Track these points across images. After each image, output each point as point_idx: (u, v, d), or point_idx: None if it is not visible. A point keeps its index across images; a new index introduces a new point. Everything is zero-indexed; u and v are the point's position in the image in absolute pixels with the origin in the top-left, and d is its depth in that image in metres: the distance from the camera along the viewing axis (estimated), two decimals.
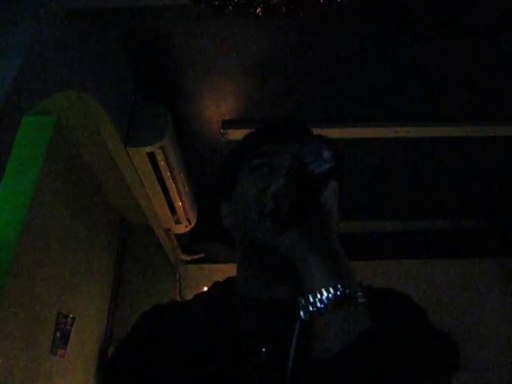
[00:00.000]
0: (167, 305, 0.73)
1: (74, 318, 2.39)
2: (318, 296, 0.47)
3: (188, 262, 3.40)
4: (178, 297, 3.15)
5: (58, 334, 2.25)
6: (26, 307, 1.98)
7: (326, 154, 0.49)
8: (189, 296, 3.20)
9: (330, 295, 0.47)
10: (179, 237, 3.08)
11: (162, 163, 2.25)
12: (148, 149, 2.14)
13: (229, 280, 0.73)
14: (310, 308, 0.47)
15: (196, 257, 3.35)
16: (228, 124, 2.37)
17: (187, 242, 3.35)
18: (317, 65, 2.13)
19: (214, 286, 0.74)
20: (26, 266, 1.98)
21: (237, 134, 2.39)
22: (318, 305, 0.47)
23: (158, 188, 2.43)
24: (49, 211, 2.18)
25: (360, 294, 0.48)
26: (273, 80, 2.21)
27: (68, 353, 2.33)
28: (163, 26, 1.93)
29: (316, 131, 2.30)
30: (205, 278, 3.28)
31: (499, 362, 3.18)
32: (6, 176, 1.30)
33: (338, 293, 0.47)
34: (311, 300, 0.48)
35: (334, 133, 2.39)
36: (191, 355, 0.60)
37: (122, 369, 0.64)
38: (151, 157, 2.19)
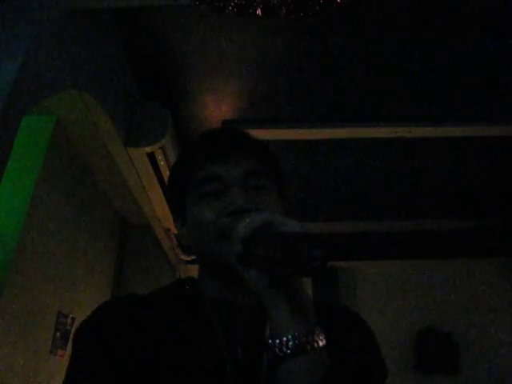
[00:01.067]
0: (126, 297, 0.72)
1: (73, 318, 2.39)
2: (284, 340, 0.52)
3: (188, 262, 3.40)
4: None
5: (58, 334, 2.25)
6: (26, 307, 1.98)
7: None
8: None
9: (296, 341, 0.51)
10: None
11: (162, 163, 2.25)
12: (148, 149, 2.14)
13: (191, 279, 0.75)
14: (277, 351, 0.52)
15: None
16: (228, 124, 2.37)
17: None
18: (317, 65, 2.13)
19: (176, 283, 0.76)
20: (26, 265, 1.98)
21: None
22: (284, 349, 0.51)
23: (158, 188, 2.43)
24: (48, 211, 2.18)
25: (321, 338, 0.52)
26: (273, 80, 2.21)
27: (68, 353, 2.33)
28: (163, 26, 1.93)
29: (316, 131, 2.28)
30: None
31: (499, 361, 3.18)
32: (6, 176, 1.30)
33: (302, 339, 0.51)
34: (277, 344, 0.52)
35: (334, 133, 2.40)
36: (163, 347, 0.61)
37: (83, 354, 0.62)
38: (151, 157, 2.19)
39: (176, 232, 0.77)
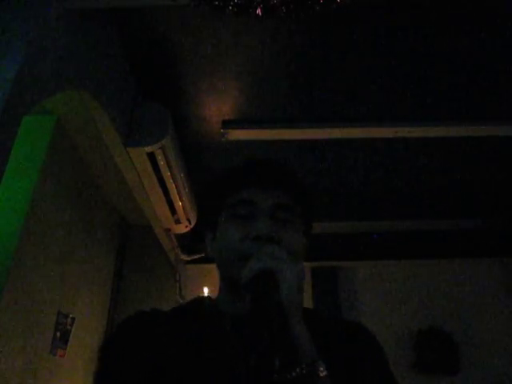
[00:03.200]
0: (151, 311, 0.79)
1: (73, 318, 2.39)
2: (298, 370, 0.58)
3: (188, 262, 3.40)
4: (178, 297, 3.15)
5: (58, 334, 2.25)
6: (26, 307, 1.98)
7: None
8: (189, 296, 3.21)
9: (298, 371, 0.58)
10: (179, 237, 3.09)
11: (162, 163, 2.25)
12: (148, 149, 2.14)
13: (209, 298, 0.82)
14: (298, 375, 0.58)
15: (196, 257, 3.35)
16: (228, 124, 2.37)
17: (187, 242, 3.35)
18: (317, 65, 2.13)
19: (195, 300, 0.82)
20: (26, 266, 1.98)
21: (237, 134, 2.39)
22: (288, 376, 0.58)
23: (158, 188, 2.43)
24: (49, 211, 2.18)
25: (321, 368, 0.58)
26: (272, 80, 2.21)
27: (68, 353, 2.33)
28: (163, 26, 1.93)
29: (316, 131, 2.28)
30: (205, 278, 3.28)
31: (499, 361, 3.18)
32: (6, 176, 1.30)
33: (304, 371, 0.58)
34: (292, 373, 0.58)
35: (334, 133, 2.40)
36: (183, 359, 0.66)
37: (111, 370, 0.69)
38: (151, 157, 2.19)
39: (207, 249, 0.84)
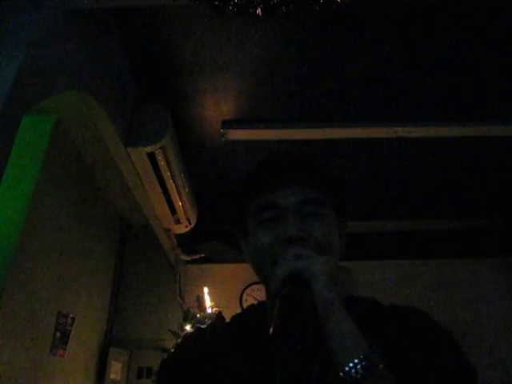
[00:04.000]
0: (208, 327, 0.85)
1: (73, 318, 2.39)
2: (351, 366, 0.55)
3: (188, 262, 3.40)
4: (178, 297, 3.15)
5: (58, 334, 2.25)
6: (26, 307, 1.98)
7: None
8: (188, 296, 3.21)
9: (364, 363, 0.55)
10: (179, 237, 3.09)
11: (162, 163, 2.25)
12: (148, 149, 2.14)
13: (261, 303, 0.81)
14: (351, 376, 0.55)
15: (196, 257, 3.35)
16: (228, 124, 2.37)
17: (187, 242, 3.35)
18: (316, 65, 2.13)
19: (249, 308, 0.83)
20: (26, 265, 1.98)
21: (237, 134, 2.39)
22: (353, 375, 0.55)
23: (158, 188, 2.43)
24: (49, 211, 2.18)
25: (377, 361, 0.55)
26: (272, 80, 2.21)
27: (68, 353, 2.33)
28: (163, 26, 1.93)
29: (316, 131, 2.28)
30: (205, 278, 3.28)
31: (500, 361, 3.18)
32: (6, 176, 1.30)
33: (358, 367, 0.55)
34: (348, 370, 0.55)
35: (334, 133, 2.40)
36: (227, 371, 0.68)
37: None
38: (151, 157, 2.19)
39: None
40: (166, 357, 0.78)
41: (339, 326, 0.58)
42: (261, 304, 0.81)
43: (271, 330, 0.60)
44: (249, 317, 0.79)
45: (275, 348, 0.67)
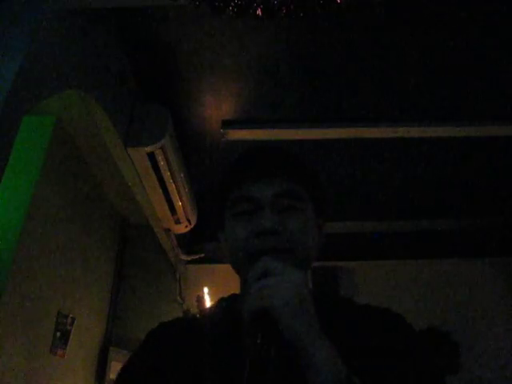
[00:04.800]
0: (173, 321, 0.82)
1: (73, 318, 2.39)
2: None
3: (188, 262, 3.40)
4: (178, 297, 3.15)
5: (58, 334, 2.25)
6: (26, 307, 1.98)
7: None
8: (188, 296, 3.21)
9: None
10: (179, 237, 3.09)
11: (162, 163, 2.25)
12: (148, 149, 2.14)
13: (232, 296, 0.81)
14: None
15: (196, 257, 3.35)
16: (228, 124, 2.37)
17: (187, 242, 3.35)
18: (316, 65, 2.13)
19: (220, 302, 0.82)
20: (26, 265, 1.98)
21: (237, 134, 2.39)
22: None
23: (158, 188, 2.43)
24: (49, 211, 2.18)
25: (354, 378, 0.54)
26: (272, 80, 2.21)
27: (68, 353, 2.33)
28: (163, 26, 1.93)
29: (316, 131, 2.27)
30: (205, 278, 3.28)
31: (499, 361, 3.18)
32: (6, 176, 1.30)
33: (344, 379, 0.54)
34: None
35: (334, 133, 2.40)
36: (196, 368, 0.67)
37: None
38: (151, 157, 2.19)
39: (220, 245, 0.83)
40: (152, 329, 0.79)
41: (315, 355, 0.55)
42: (232, 296, 0.81)
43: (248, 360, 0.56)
44: (223, 313, 0.77)
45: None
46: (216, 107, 2.36)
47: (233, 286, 0.77)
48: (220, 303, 0.81)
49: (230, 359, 0.66)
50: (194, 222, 2.93)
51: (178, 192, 2.54)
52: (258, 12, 1.26)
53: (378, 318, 0.71)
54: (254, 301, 0.59)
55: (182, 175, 2.51)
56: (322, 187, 0.80)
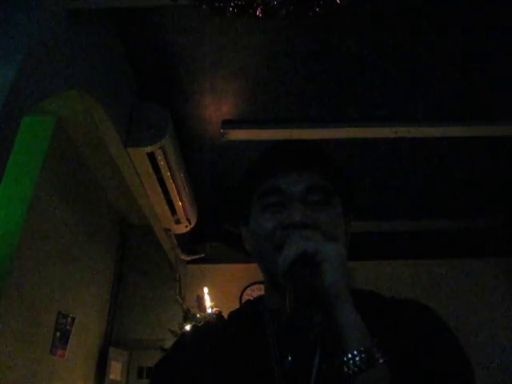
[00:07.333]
0: (204, 324, 0.82)
1: (73, 318, 2.39)
2: (350, 357, 0.54)
3: (188, 262, 3.40)
4: (178, 297, 3.15)
5: (58, 334, 2.25)
6: (26, 307, 1.98)
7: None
8: (188, 296, 3.21)
9: (363, 355, 0.53)
10: (179, 237, 3.09)
11: (162, 163, 2.25)
12: (148, 149, 2.14)
13: (259, 298, 0.79)
14: (349, 366, 0.53)
15: (196, 257, 3.35)
16: (228, 124, 2.37)
17: (187, 242, 3.35)
18: (316, 65, 2.13)
19: (246, 304, 0.81)
20: (26, 266, 1.98)
21: (237, 134, 2.39)
22: (354, 365, 0.53)
23: (158, 188, 2.43)
24: (49, 211, 2.18)
25: (377, 356, 0.54)
26: (272, 80, 2.21)
27: (68, 353, 2.33)
28: (163, 26, 1.93)
29: (316, 131, 2.28)
30: (205, 278, 3.28)
31: (500, 361, 3.18)
32: (6, 176, 1.30)
33: (356, 359, 0.53)
34: (347, 360, 0.54)
35: (334, 133, 2.39)
36: (222, 367, 0.66)
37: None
38: (151, 157, 2.19)
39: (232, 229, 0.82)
40: (160, 358, 0.75)
41: (346, 315, 0.56)
42: (258, 299, 0.78)
43: (286, 314, 0.57)
44: (247, 312, 0.76)
45: (286, 336, 0.66)
46: (216, 107, 2.36)
47: (233, 285, 0.77)
48: (246, 305, 0.80)
49: (255, 358, 0.66)
50: (194, 222, 2.93)
51: (178, 192, 2.54)
52: (258, 12, 1.26)
53: (406, 311, 0.70)
54: (302, 243, 0.59)
55: (181, 175, 2.51)
56: (352, 185, 0.79)
